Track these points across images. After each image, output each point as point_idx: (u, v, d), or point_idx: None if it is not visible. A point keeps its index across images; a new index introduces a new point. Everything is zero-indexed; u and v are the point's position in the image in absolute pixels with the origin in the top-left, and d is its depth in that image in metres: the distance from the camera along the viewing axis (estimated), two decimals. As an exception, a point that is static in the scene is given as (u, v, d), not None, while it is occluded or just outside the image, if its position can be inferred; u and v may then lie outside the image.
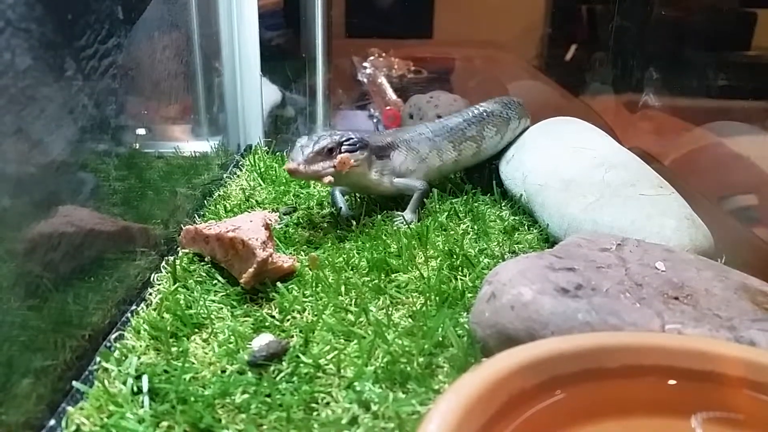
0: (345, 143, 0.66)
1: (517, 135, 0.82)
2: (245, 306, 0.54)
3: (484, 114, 0.78)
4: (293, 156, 0.64)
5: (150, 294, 0.56)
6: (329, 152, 0.64)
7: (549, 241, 0.68)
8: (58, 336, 0.44)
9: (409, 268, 0.60)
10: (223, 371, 0.46)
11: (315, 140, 0.65)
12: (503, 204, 0.78)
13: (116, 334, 0.50)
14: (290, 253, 0.63)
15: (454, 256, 0.62)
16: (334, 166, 0.65)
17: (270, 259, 0.55)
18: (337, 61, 1.17)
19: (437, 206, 0.75)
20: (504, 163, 0.80)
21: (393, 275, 0.59)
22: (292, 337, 0.50)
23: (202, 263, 0.61)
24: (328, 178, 0.65)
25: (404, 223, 0.70)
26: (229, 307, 0.54)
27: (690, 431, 0.35)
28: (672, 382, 0.37)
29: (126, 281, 0.55)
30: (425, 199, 0.73)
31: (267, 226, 0.59)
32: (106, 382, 0.43)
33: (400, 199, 0.75)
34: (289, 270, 0.58)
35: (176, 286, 0.56)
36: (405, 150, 0.74)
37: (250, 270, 0.53)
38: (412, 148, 0.74)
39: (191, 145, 0.82)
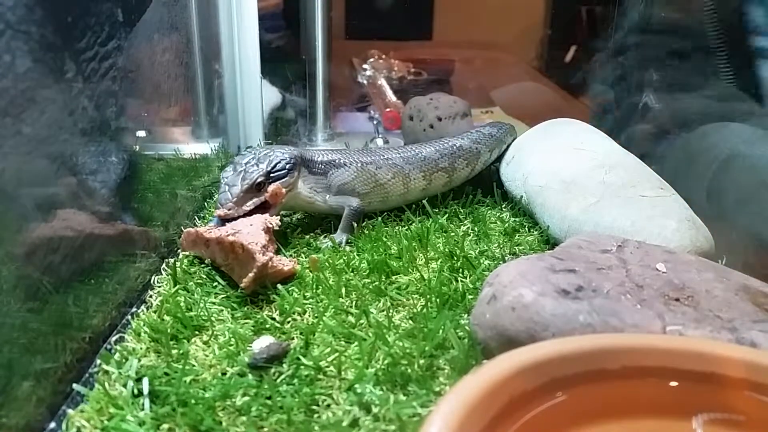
0: (273, 171, 0.62)
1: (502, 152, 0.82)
2: (245, 308, 0.54)
3: (454, 147, 0.75)
4: (221, 200, 0.60)
5: (150, 296, 0.56)
6: (258, 187, 0.61)
7: (549, 242, 0.68)
8: (58, 338, 0.44)
9: (410, 269, 0.60)
10: (224, 373, 0.46)
11: (241, 174, 0.61)
12: (503, 206, 0.78)
13: (116, 336, 0.50)
14: (290, 255, 0.63)
15: (455, 258, 0.62)
16: (266, 200, 0.62)
17: (270, 263, 0.55)
18: (337, 62, 1.17)
19: (437, 208, 0.75)
20: (504, 164, 0.80)
21: (393, 277, 0.59)
22: (293, 339, 0.50)
23: (203, 265, 0.61)
24: None
25: (332, 245, 0.65)
26: (229, 309, 0.54)
27: (691, 433, 0.35)
28: (673, 383, 0.37)
29: (126, 283, 0.55)
30: (354, 223, 0.68)
31: (267, 230, 0.58)
32: (106, 384, 0.43)
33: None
34: (290, 273, 0.58)
35: (176, 288, 0.56)
36: (355, 170, 0.69)
37: (250, 275, 0.53)
38: (367, 170, 0.70)
39: (191, 147, 0.82)
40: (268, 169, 0.62)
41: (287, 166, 0.63)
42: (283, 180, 0.63)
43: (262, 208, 0.62)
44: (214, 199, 0.79)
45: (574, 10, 1.34)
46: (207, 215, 0.74)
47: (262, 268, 0.54)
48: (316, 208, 0.69)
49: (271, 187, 0.62)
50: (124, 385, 0.43)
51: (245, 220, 0.60)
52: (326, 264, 0.61)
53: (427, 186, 0.74)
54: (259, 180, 0.61)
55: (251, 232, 0.57)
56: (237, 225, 0.59)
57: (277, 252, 0.60)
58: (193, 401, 0.41)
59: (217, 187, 0.83)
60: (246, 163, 0.62)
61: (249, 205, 0.61)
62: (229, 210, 0.60)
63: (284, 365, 0.46)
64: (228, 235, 0.56)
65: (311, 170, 0.67)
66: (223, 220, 0.61)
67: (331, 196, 0.68)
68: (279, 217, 0.62)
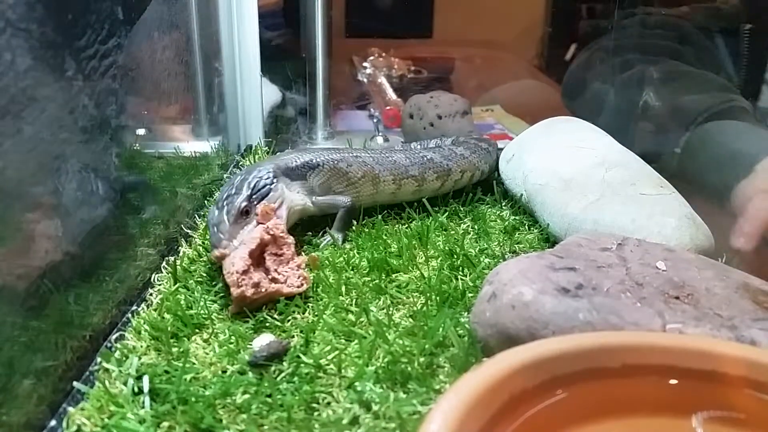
0: (254, 192, 0.59)
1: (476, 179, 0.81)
2: (245, 306, 0.54)
3: (425, 159, 0.74)
4: (214, 241, 0.56)
5: (150, 294, 0.56)
6: (246, 213, 0.57)
7: (549, 240, 0.68)
8: (58, 336, 0.44)
9: (410, 267, 0.60)
10: (224, 371, 0.46)
11: (224, 208, 0.57)
12: (503, 204, 0.78)
13: (117, 334, 0.50)
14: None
15: (455, 256, 0.62)
16: (260, 222, 0.58)
17: (255, 291, 0.51)
18: (337, 60, 1.17)
19: (437, 206, 0.75)
20: (504, 162, 0.80)
21: (393, 275, 0.59)
22: (293, 337, 0.50)
23: (203, 263, 0.61)
24: None
25: (332, 242, 0.66)
26: (229, 308, 0.54)
27: (691, 430, 0.35)
28: (673, 381, 0.37)
29: (126, 282, 0.55)
30: (351, 220, 0.68)
31: (274, 239, 0.55)
32: (106, 382, 0.43)
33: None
34: (291, 295, 0.53)
35: (177, 286, 0.56)
36: (328, 170, 0.68)
37: (230, 307, 0.52)
38: (338, 168, 0.69)
39: (191, 145, 0.82)
40: (248, 192, 0.59)
41: (267, 182, 0.61)
42: (269, 196, 0.60)
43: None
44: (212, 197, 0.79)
45: (574, 8, 1.34)
46: (207, 214, 0.74)
47: (239, 300, 0.51)
48: (307, 212, 0.68)
49: (259, 208, 0.58)
50: (125, 383, 0.43)
51: (257, 229, 0.57)
52: (326, 262, 0.61)
53: (396, 190, 0.73)
54: (242, 205, 0.57)
55: (237, 255, 0.53)
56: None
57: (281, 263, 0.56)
58: (193, 399, 0.41)
59: (219, 185, 0.83)
60: (225, 198, 0.58)
61: (244, 234, 0.56)
62: (225, 248, 0.55)
63: (284, 363, 0.46)
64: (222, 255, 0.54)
65: (291, 177, 0.66)
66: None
67: (317, 197, 0.68)
68: (282, 223, 0.58)
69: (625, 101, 0.97)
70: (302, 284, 0.55)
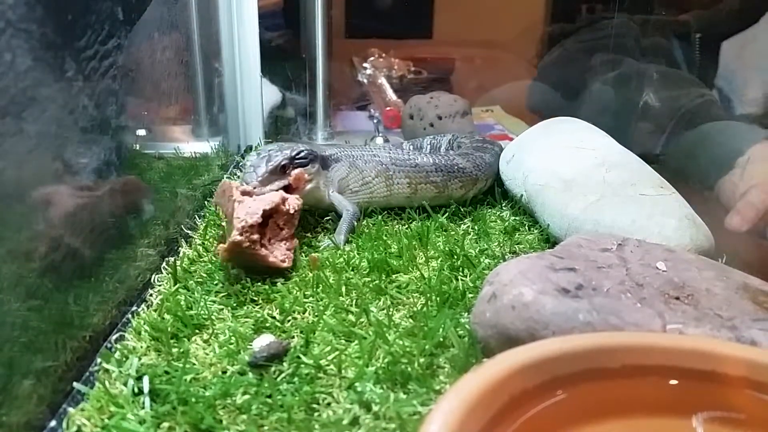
0: (297, 158, 0.64)
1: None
2: (246, 306, 0.54)
3: (455, 168, 0.74)
4: (247, 179, 0.62)
5: (150, 295, 0.56)
6: (283, 169, 0.63)
7: (550, 241, 0.68)
8: (58, 337, 0.44)
9: (410, 268, 0.60)
10: (224, 372, 0.46)
11: (266, 157, 0.63)
12: (504, 204, 0.78)
13: (117, 335, 0.50)
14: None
15: (455, 257, 0.62)
16: (290, 184, 0.63)
17: (249, 245, 0.55)
18: (337, 61, 1.18)
19: (438, 207, 0.75)
20: (504, 163, 0.80)
21: (394, 276, 0.59)
22: (293, 337, 0.50)
23: (203, 264, 0.61)
24: None
25: (332, 245, 0.66)
26: (229, 308, 0.54)
27: (691, 431, 0.35)
28: (673, 381, 0.37)
29: (126, 282, 0.55)
30: (353, 223, 0.68)
31: (286, 215, 0.59)
32: (106, 383, 0.43)
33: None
34: (273, 266, 0.57)
35: (177, 287, 0.56)
36: (347, 166, 0.70)
37: (223, 245, 0.55)
38: (356, 165, 0.71)
39: (191, 145, 0.82)
40: (292, 154, 0.64)
41: (309, 156, 0.66)
42: (306, 167, 0.65)
43: (286, 192, 0.63)
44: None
45: (574, 8, 1.34)
46: (207, 214, 0.74)
47: (235, 245, 0.54)
48: (322, 202, 0.70)
49: (295, 172, 0.64)
50: (125, 384, 0.43)
51: (273, 193, 0.61)
52: (326, 262, 0.61)
53: (411, 195, 0.73)
54: (283, 162, 0.63)
55: (252, 207, 0.56)
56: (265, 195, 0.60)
57: (280, 239, 0.60)
58: (193, 400, 0.41)
59: (217, 186, 0.83)
60: (270, 150, 0.64)
61: (273, 186, 0.62)
62: (254, 188, 0.61)
63: (284, 364, 0.46)
64: (236, 200, 0.57)
65: (322, 165, 0.69)
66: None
67: (333, 191, 0.70)
68: (299, 205, 0.61)
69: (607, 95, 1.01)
70: (285, 260, 0.58)
